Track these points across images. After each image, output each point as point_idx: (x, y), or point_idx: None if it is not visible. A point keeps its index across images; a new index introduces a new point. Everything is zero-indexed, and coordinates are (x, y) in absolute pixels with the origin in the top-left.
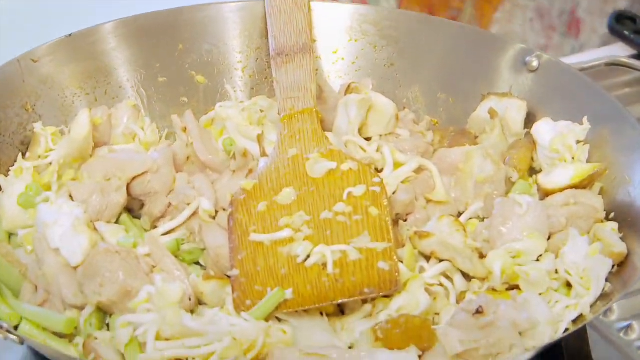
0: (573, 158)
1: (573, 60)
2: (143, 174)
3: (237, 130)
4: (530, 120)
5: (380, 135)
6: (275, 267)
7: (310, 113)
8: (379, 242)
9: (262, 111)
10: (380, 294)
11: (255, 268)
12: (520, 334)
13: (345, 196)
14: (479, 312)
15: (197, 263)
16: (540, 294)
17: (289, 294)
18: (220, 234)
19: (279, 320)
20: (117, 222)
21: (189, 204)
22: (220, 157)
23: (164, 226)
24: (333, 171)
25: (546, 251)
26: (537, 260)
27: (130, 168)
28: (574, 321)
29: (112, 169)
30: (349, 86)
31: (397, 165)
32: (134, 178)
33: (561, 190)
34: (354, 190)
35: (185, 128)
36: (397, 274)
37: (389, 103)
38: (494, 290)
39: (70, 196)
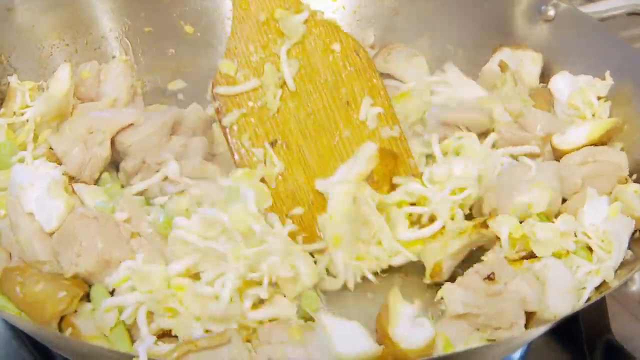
0: (593, 115)
1: (591, 9)
2: (129, 126)
3: None
4: (546, 73)
5: None
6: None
7: None
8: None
9: None
10: None
11: None
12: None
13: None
14: (490, 278)
15: None
16: (560, 259)
17: None
18: None
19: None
20: (98, 180)
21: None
22: None
23: (137, 186)
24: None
25: (563, 213)
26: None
27: (116, 121)
28: (597, 289)
29: (96, 123)
30: None
31: None
32: (118, 132)
33: (577, 149)
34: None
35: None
36: None
37: None
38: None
39: (48, 158)
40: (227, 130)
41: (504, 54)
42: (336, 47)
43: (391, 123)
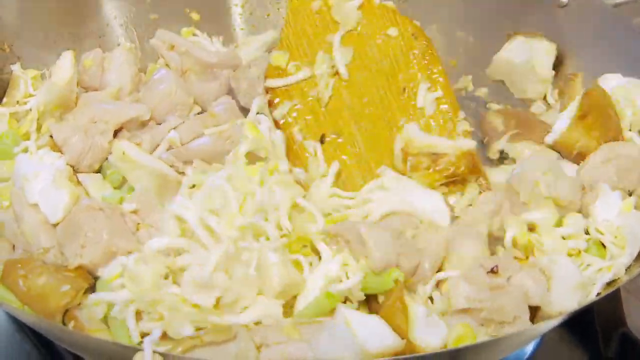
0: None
1: None
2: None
3: None
4: (558, 61)
5: None
6: None
7: None
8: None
9: None
10: None
11: None
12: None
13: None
14: (493, 271)
15: None
16: (570, 257)
17: None
18: None
19: None
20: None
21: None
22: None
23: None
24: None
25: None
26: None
27: (120, 113)
28: (608, 284)
29: (100, 114)
30: None
31: None
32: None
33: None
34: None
35: (172, 45)
36: None
37: None
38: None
39: (51, 148)
40: (280, 122)
41: (518, 41)
42: (392, 32)
43: (452, 111)
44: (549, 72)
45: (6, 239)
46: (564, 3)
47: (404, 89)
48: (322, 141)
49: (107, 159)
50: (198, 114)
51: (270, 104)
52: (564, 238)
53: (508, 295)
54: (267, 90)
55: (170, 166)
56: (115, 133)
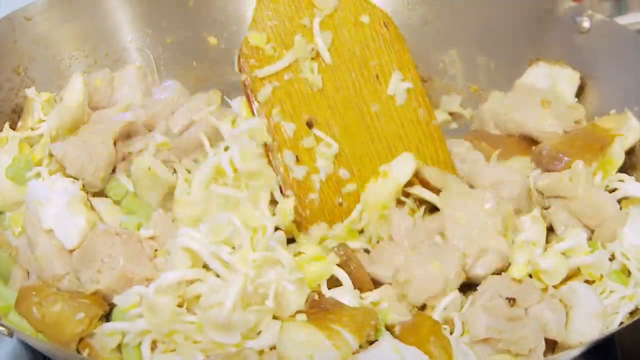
0: None
1: (626, 20)
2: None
3: None
4: (579, 88)
5: None
6: None
7: None
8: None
9: None
10: None
11: None
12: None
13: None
14: (510, 302)
15: None
16: (593, 282)
17: None
18: None
19: None
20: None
21: None
22: None
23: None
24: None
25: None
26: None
27: (116, 120)
28: (631, 313)
29: (97, 124)
30: None
31: None
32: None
33: None
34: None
35: None
36: None
37: None
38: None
39: (64, 173)
40: (257, 105)
41: (540, 68)
42: (364, 19)
43: (421, 101)
44: (572, 99)
45: (19, 266)
46: (585, 29)
47: (377, 76)
48: (309, 125)
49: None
50: None
51: (246, 85)
52: (564, 254)
53: (525, 328)
54: (242, 69)
55: (166, 161)
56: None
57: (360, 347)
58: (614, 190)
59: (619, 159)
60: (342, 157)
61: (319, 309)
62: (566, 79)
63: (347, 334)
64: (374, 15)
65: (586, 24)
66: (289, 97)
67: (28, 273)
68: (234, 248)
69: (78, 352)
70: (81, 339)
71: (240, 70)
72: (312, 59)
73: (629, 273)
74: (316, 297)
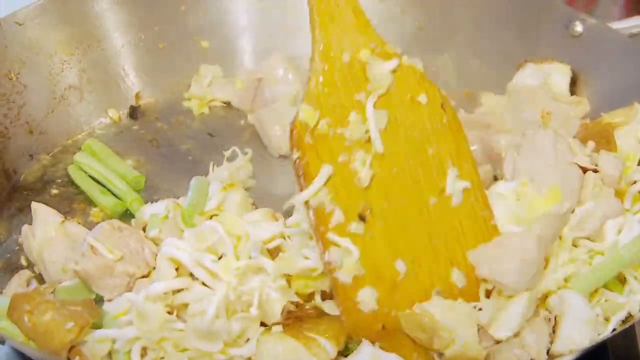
0: None
1: (620, 25)
2: None
3: None
4: (572, 92)
5: None
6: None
7: None
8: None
9: None
10: None
11: None
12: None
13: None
14: None
15: None
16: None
17: None
18: None
19: None
20: None
21: None
22: None
23: None
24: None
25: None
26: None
27: None
28: (623, 321)
29: None
30: None
31: None
32: None
33: None
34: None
35: None
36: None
37: None
38: None
39: None
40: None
41: (528, 69)
42: (422, 98)
43: (479, 200)
44: (567, 92)
45: (25, 272)
46: (578, 33)
47: (433, 167)
48: (362, 219)
49: None
50: None
51: (296, 164)
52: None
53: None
54: (297, 147)
55: None
56: None
57: (340, 354)
58: (634, 182)
59: (635, 151)
60: (396, 256)
61: (294, 319)
62: (557, 71)
63: (324, 341)
64: (432, 94)
65: (579, 28)
66: (343, 184)
67: (27, 282)
68: (220, 258)
69: (69, 359)
70: (72, 347)
71: (291, 148)
72: (366, 147)
73: (625, 280)
74: (292, 307)
